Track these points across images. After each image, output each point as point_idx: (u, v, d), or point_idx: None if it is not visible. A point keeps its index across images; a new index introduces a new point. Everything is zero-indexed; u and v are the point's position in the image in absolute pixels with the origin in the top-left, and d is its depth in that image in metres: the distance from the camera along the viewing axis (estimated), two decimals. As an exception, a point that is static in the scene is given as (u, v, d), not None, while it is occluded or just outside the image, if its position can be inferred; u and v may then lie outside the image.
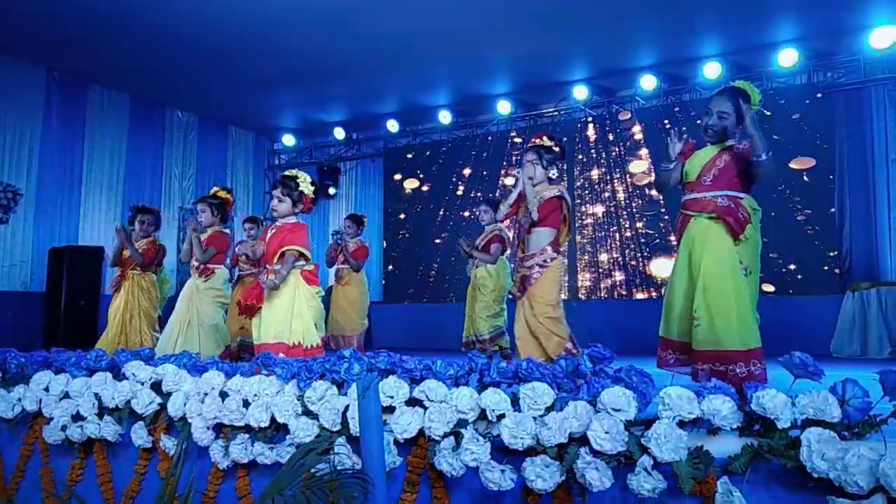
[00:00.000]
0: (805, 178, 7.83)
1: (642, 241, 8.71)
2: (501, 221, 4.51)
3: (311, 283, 3.85)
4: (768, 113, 7.51)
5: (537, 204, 3.99)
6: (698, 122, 8.83)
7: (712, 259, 2.99)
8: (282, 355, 2.84)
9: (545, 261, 4.03)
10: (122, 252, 5.48)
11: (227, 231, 5.33)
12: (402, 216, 10.47)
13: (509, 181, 9.53)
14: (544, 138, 4.22)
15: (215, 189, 5.43)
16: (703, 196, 3.10)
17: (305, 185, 3.87)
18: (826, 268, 7.65)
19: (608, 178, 9.06)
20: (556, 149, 4.19)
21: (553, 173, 4.19)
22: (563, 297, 8.26)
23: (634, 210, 8.82)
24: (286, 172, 3.99)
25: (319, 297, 3.92)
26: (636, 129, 8.95)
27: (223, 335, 5.13)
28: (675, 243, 8.29)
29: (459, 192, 10.00)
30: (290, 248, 3.72)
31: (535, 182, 4.07)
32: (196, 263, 5.02)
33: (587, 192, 9.18)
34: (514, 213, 4.26)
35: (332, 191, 11.09)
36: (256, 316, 3.75)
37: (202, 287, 5.00)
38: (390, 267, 10.48)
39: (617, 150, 9.04)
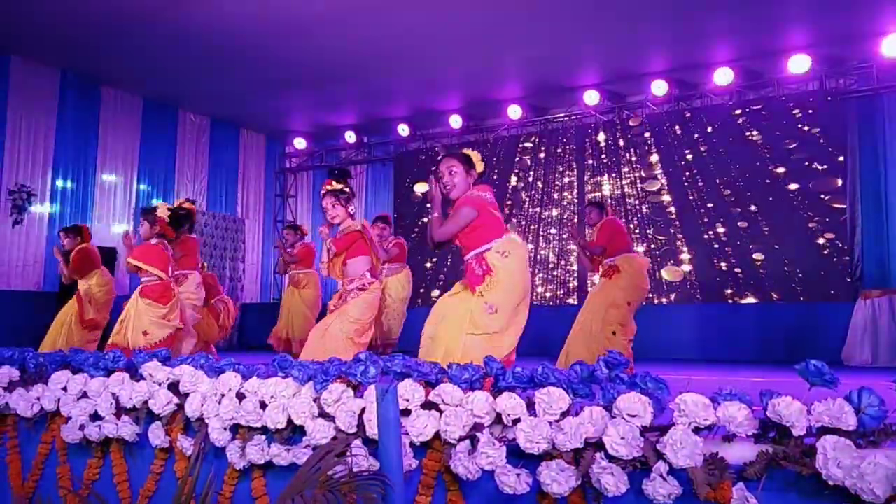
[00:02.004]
0: (816, 185, 7.81)
1: (652, 246, 8.71)
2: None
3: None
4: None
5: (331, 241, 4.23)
6: (709, 128, 8.87)
7: (452, 309, 3.36)
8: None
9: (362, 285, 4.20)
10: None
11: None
12: (413, 220, 10.49)
13: (517, 183, 9.55)
14: (333, 182, 4.45)
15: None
16: (466, 260, 3.37)
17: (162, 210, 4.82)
18: (838, 275, 7.62)
19: (618, 183, 9.06)
20: (347, 189, 4.45)
21: (351, 209, 4.43)
22: (574, 300, 8.25)
23: (645, 215, 8.82)
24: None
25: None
26: (647, 134, 8.96)
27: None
28: (682, 248, 8.30)
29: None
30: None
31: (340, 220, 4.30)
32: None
33: (598, 196, 9.18)
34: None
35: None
36: None
37: None
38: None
39: (627, 155, 9.04)
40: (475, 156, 3.67)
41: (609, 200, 9.07)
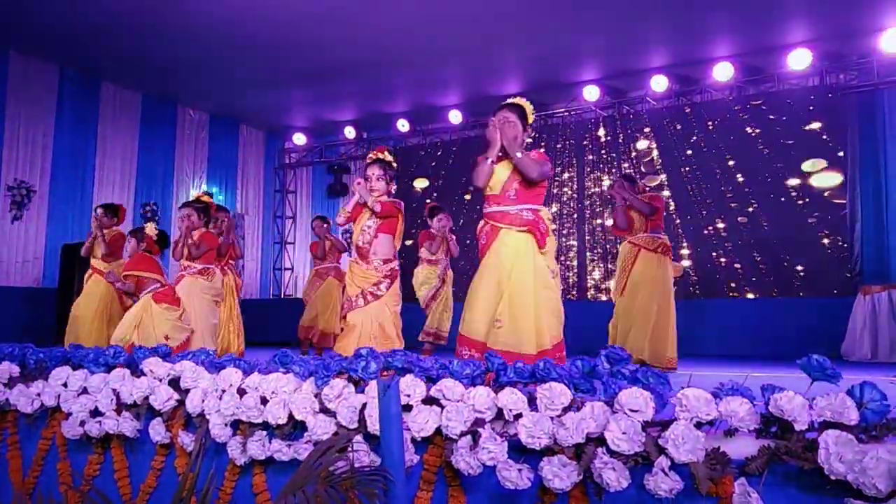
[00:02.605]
0: (816, 180, 7.81)
1: (652, 242, 8.69)
2: (340, 226, 4.70)
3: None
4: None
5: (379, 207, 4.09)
6: (709, 123, 8.83)
7: (521, 270, 3.25)
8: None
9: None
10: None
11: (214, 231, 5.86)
12: (413, 216, 10.47)
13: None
14: (384, 152, 4.36)
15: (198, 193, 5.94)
16: (508, 210, 3.37)
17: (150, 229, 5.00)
18: (837, 271, 7.62)
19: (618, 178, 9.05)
20: (394, 163, 4.38)
21: (393, 188, 4.36)
22: (574, 296, 8.26)
23: (644, 211, 8.81)
24: None
25: None
26: (647, 129, 8.95)
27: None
28: (682, 244, 8.29)
29: (470, 192, 10.01)
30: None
31: (379, 195, 4.16)
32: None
33: (597, 192, 9.18)
34: (353, 219, 4.26)
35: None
36: None
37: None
38: (401, 265, 10.46)
39: (627, 150, 9.03)
40: (528, 107, 3.55)
41: (609, 196, 9.06)
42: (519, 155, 3.32)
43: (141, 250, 5.07)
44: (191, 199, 5.82)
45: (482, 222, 3.50)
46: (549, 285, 3.33)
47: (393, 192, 4.35)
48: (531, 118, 3.54)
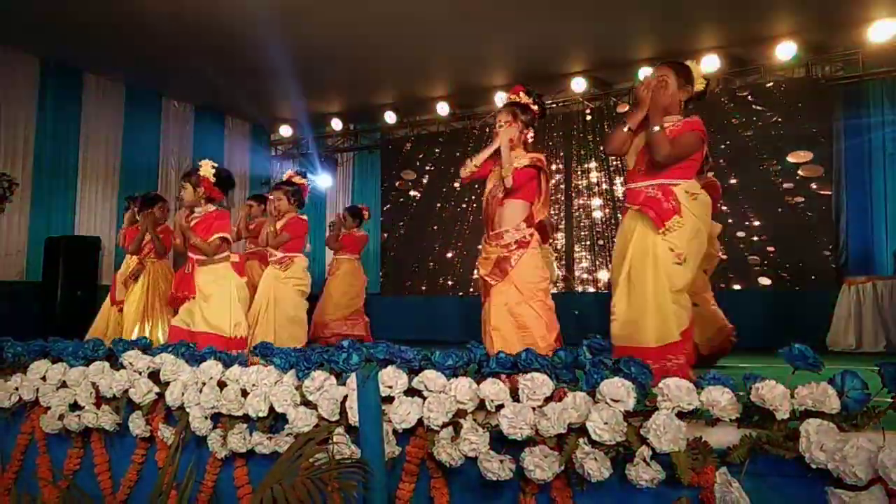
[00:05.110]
0: (802, 171, 7.84)
1: (639, 233, 8.70)
2: (464, 182, 3.71)
3: (242, 275, 4.06)
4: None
5: (512, 171, 3.40)
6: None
7: (636, 251, 2.96)
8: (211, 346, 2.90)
9: (524, 238, 3.46)
10: (143, 239, 5.54)
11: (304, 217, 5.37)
12: (400, 208, 10.45)
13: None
14: (521, 93, 3.67)
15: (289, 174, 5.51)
16: (636, 186, 3.03)
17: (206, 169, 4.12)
18: (822, 262, 7.66)
19: (606, 170, 9.05)
20: (535, 107, 3.65)
21: (530, 136, 3.63)
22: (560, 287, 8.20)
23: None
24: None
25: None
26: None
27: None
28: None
29: (457, 184, 9.98)
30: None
31: (512, 146, 3.49)
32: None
33: (584, 184, 9.18)
34: (483, 175, 3.62)
35: (329, 182, 11.11)
36: (185, 305, 3.99)
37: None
38: (390, 258, 10.47)
39: (615, 142, 9.02)
40: (696, 70, 3.12)
41: (596, 188, 9.07)
42: (656, 129, 2.91)
43: (201, 196, 4.22)
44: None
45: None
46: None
47: (530, 138, 3.64)
48: (698, 84, 3.11)
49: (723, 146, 8.27)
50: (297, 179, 5.30)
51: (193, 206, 4.25)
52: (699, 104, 3.27)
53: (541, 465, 1.83)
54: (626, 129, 3.05)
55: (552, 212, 9.28)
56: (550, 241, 5.95)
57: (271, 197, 5.16)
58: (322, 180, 11.18)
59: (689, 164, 2.98)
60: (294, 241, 5.08)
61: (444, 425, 2.04)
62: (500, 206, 3.50)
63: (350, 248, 6.94)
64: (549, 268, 4.96)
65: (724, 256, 5.35)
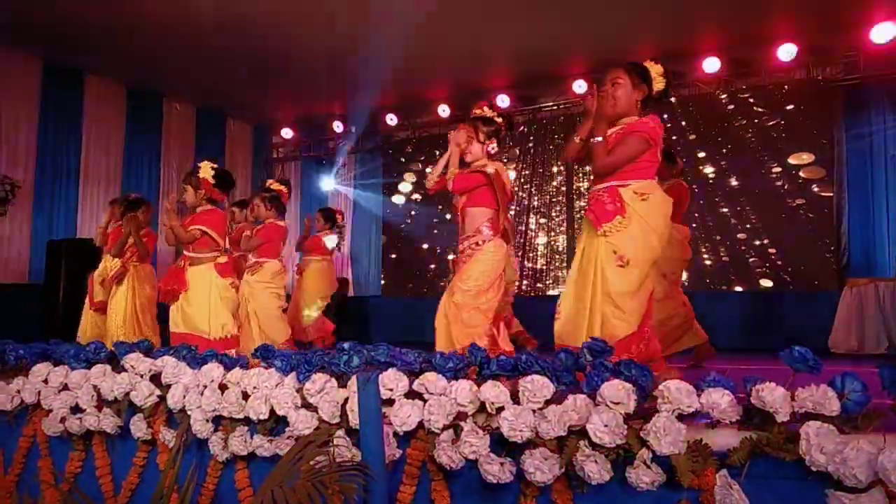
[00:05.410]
0: (803, 173, 7.83)
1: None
2: (430, 192, 4.05)
3: (225, 275, 4.04)
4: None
5: (453, 175, 3.68)
6: (697, 116, 8.79)
7: (585, 254, 3.00)
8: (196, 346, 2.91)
9: (476, 243, 3.68)
10: (126, 242, 5.51)
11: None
12: (402, 210, 10.45)
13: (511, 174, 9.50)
14: (484, 108, 3.94)
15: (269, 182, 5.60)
16: (593, 190, 3.05)
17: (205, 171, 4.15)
18: (824, 263, 7.66)
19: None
20: (499, 119, 3.83)
21: (491, 148, 3.77)
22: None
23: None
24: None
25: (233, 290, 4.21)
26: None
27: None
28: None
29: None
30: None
31: (463, 152, 3.74)
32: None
33: (586, 186, 9.17)
34: (442, 187, 3.84)
35: (330, 185, 11.12)
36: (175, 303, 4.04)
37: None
38: (391, 260, 10.46)
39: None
40: (654, 69, 3.06)
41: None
42: (596, 139, 2.92)
43: (203, 198, 4.21)
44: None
45: None
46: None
47: (493, 150, 3.81)
48: (656, 83, 3.06)
49: (724, 148, 8.27)
50: (275, 186, 5.40)
51: (196, 208, 4.27)
52: (699, 105, 3.27)
53: (541, 468, 1.83)
54: (577, 140, 3.14)
55: (554, 213, 9.29)
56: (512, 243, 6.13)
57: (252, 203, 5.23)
58: (323, 183, 11.20)
59: (642, 166, 2.93)
60: (267, 245, 5.20)
61: (445, 428, 2.04)
62: (462, 213, 3.76)
63: (317, 250, 6.98)
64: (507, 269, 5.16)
65: (689, 258, 5.41)
